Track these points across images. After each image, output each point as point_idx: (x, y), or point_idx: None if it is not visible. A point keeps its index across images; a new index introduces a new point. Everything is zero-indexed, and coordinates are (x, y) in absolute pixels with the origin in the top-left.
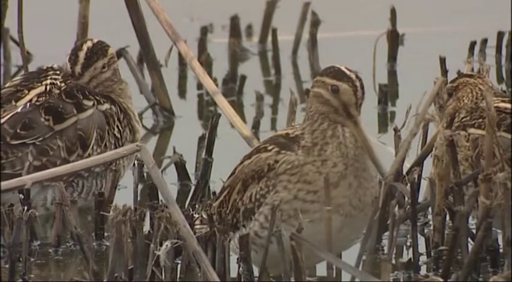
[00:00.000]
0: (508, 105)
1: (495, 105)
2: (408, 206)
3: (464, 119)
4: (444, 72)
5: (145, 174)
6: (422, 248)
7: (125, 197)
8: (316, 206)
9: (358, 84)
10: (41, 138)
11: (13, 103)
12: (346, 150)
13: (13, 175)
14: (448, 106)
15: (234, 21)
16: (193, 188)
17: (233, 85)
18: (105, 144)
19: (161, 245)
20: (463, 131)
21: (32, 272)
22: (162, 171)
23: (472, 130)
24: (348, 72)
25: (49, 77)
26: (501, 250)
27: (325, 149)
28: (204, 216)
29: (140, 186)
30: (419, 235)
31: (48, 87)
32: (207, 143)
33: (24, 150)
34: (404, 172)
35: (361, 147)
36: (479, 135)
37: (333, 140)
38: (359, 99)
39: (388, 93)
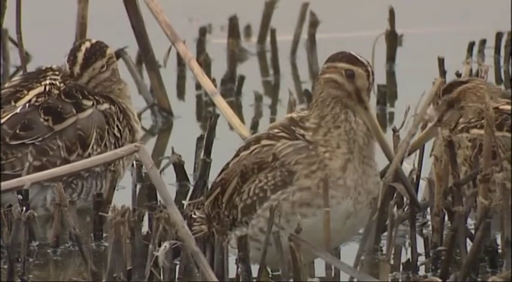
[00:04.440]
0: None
1: (501, 107)
2: (407, 207)
3: (472, 121)
4: (443, 72)
5: (143, 175)
6: (421, 248)
7: (123, 197)
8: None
9: (370, 69)
10: (40, 139)
11: (12, 104)
12: (354, 137)
13: (13, 176)
14: (451, 116)
15: (233, 21)
16: (191, 188)
17: (232, 85)
18: (105, 143)
19: (160, 245)
20: (466, 133)
21: (31, 273)
22: (160, 172)
23: (474, 131)
24: (359, 57)
25: (48, 78)
26: (500, 250)
27: (332, 131)
28: (197, 215)
29: (139, 187)
30: (417, 235)
31: (47, 88)
32: (206, 144)
33: (23, 151)
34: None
35: (370, 136)
36: (478, 136)
37: (345, 124)
38: (371, 84)
39: (387, 94)
